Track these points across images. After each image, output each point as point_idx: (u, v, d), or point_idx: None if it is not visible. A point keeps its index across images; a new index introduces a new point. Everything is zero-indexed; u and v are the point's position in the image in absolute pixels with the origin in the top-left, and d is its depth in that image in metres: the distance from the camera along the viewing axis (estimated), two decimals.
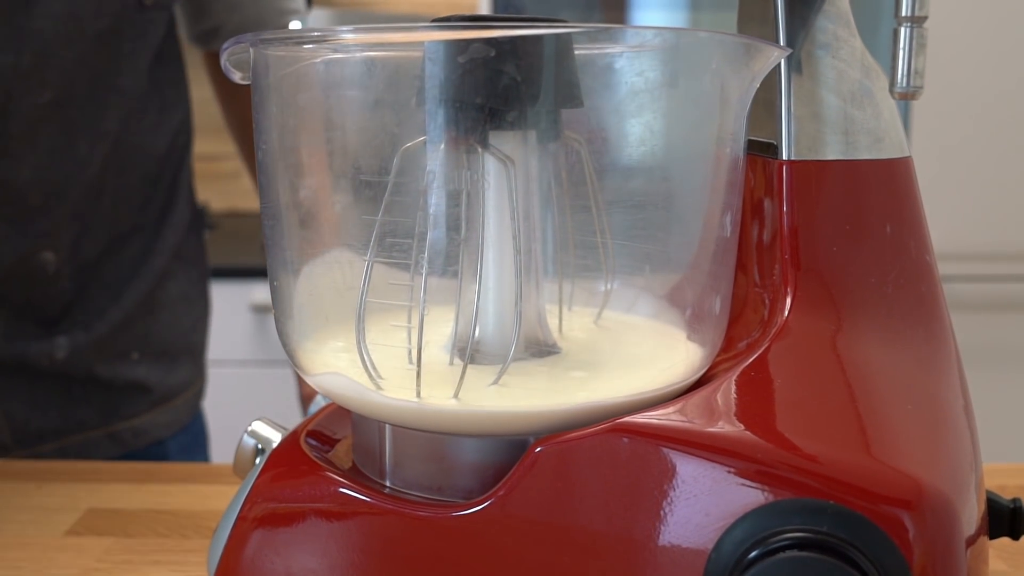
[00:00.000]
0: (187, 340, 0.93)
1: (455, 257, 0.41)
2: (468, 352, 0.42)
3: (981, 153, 1.68)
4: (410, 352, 0.42)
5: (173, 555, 0.58)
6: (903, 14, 0.40)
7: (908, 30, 0.40)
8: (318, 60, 0.42)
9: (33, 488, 0.68)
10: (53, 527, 0.62)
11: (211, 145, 1.76)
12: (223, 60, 0.44)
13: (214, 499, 0.65)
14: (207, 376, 0.99)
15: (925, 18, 0.40)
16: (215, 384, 1.98)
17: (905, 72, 0.41)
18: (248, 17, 0.91)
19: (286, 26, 0.95)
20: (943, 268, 0.47)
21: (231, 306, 1.93)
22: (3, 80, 0.73)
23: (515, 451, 0.41)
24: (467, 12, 0.44)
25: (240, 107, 1.00)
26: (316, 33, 0.40)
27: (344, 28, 0.38)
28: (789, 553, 0.36)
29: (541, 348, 0.44)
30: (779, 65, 0.44)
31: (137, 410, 0.88)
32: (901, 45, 0.41)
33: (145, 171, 0.87)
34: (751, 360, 0.42)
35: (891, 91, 0.43)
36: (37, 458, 0.80)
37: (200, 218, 0.96)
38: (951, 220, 1.67)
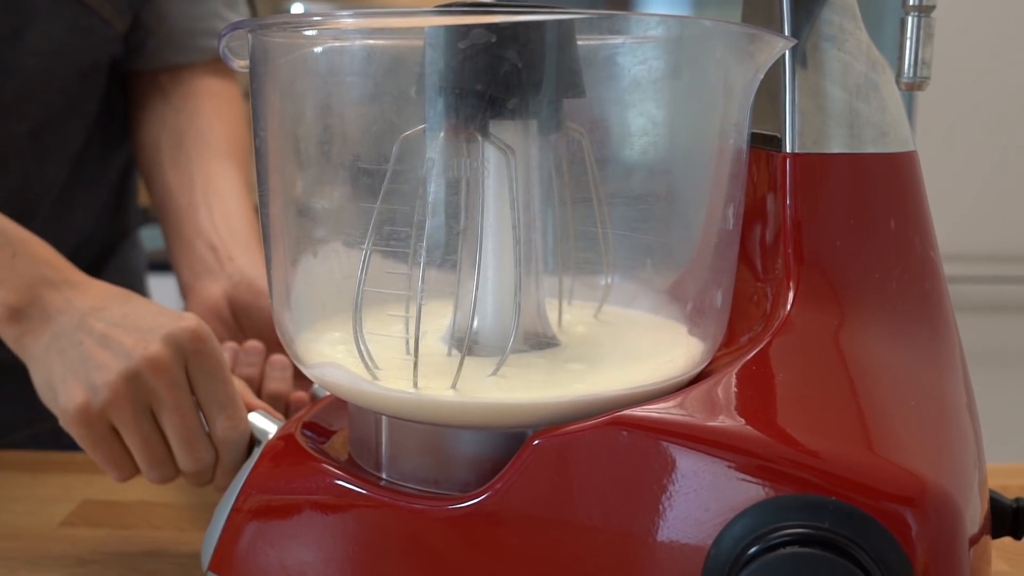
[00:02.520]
0: None
1: (454, 247, 0.41)
2: (466, 343, 0.41)
3: (984, 152, 1.67)
4: (407, 342, 0.42)
5: (168, 547, 0.57)
6: (910, 3, 0.40)
7: (915, 19, 0.40)
8: (318, 47, 0.41)
9: (28, 478, 0.67)
10: (48, 518, 0.61)
11: None
12: (221, 47, 0.44)
13: (209, 491, 0.64)
14: None
15: (933, 7, 0.40)
16: None
17: (912, 62, 0.40)
18: (176, 26, 0.84)
19: (216, 31, 0.88)
20: (946, 269, 0.46)
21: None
22: None
23: (513, 444, 0.40)
24: (462, 2, 0.43)
25: (146, 133, 0.88)
26: (316, 17, 0.39)
27: (344, 12, 0.37)
28: (790, 549, 0.35)
29: (540, 340, 0.44)
30: (783, 57, 0.44)
31: None
32: (908, 35, 0.40)
33: (113, 182, 0.87)
34: (753, 354, 0.41)
35: (897, 82, 0.42)
36: (11, 447, 0.79)
37: (143, 215, 0.97)
38: (953, 220, 1.66)
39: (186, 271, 0.75)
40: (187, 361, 0.50)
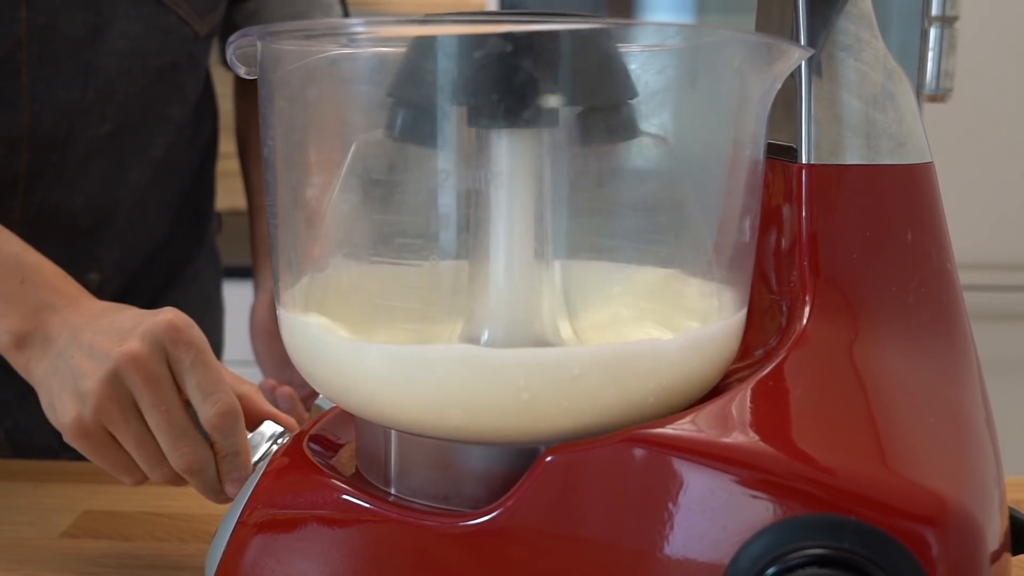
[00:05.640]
0: (211, 341, 0.93)
1: (466, 256, 0.40)
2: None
3: (994, 160, 1.67)
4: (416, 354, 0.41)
5: (170, 560, 0.57)
6: (933, 14, 0.39)
7: (938, 30, 0.39)
8: (327, 55, 0.40)
9: (30, 488, 0.66)
10: (49, 528, 0.60)
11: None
12: (229, 54, 0.43)
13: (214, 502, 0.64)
14: None
15: (956, 18, 0.39)
16: None
17: (935, 74, 0.40)
18: None
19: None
20: (962, 277, 0.46)
21: (233, 305, 1.90)
22: (66, 115, 0.73)
23: (524, 459, 0.39)
24: (476, 11, 0.42)
25: (241, 133, 0.93)
26: (328, 26, 0.39)
27: (354, 20, 0.36)
28: (809, 570, 0.35)
29: (552, 351, 0.43)
30: (799, 66, 0.43)
31: None
32: (931, 46, 0.39)
33: (183, 185, 0.87)
34: (768, 369, 0.41)
35: (919, 93, 0.42)
36: (82, 462, 0.79)
37: (218, 221, 0.97)
38: (964, 229, 1.65)
39: (255, 281, 0.79)
40: (167, 353, 0.50)
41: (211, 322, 0.95)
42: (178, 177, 0.86)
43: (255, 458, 0.50)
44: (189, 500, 0.64)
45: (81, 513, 0.62)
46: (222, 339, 0.98)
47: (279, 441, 0.49)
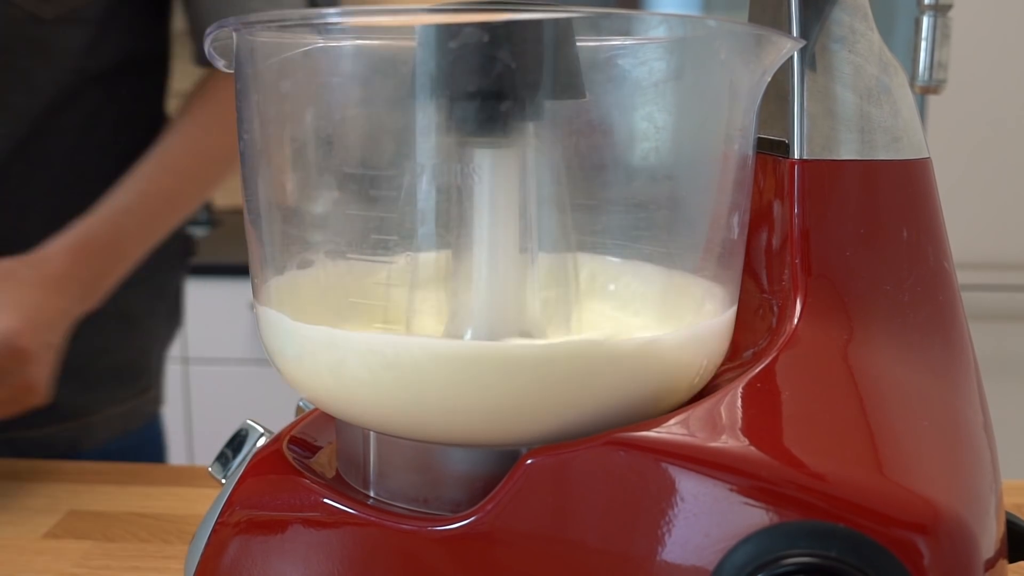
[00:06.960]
0: (117, 359, 0.88)
1: (445, 254, 0.39)
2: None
3: (995, 157, 1.65)
4: (393, 346, 0.40)
5: (153, 561, 0.56)
6: (926, 2, 0.38)
7: (931, 19, 0.38)
8: (305, 47, 0.39)
9: (15, 487, 0.66)
10: (32, 529, 0.60)
11: None
12: (207, 46, 0.42)
13: (199, 503, 0.63)
14: (161, 396, 0.95)
15: (950, 6, 0.38)
16: (214, 382, 1.97)
17: (927, 64, 0.39)
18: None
19: None
20: (960, 276, 0.45)
21: (233, 303, 1.89)
22: None
23: (505, 462, 0.38)
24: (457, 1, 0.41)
25: None
26: (303, 16, 0.38)
27: (331, 11, 0.35)
28: None
29: (534, 347, 0.42)
30: (792, 59, 0.42)
31: (36, 421, 0.78)
32: (924, 35, 0.38)
33: (96, 191, 0.80)
34: (757, 370, 0.40)
35: (912, 85, 0.40)
36: (67, 462, 0.77)
37: (184, 243, 0.92)
38: (967, 227, 1.63)
39: None
40: None
41: (135, 340, 0.90)
42: (85, 181, 0.80)
43: (235, 461, 0.49)
44: (174, 500, 0.63)
45: (65, 513, 0.62)
46: (149, 359, 0.92)
47: (259, 442, 0.48)
